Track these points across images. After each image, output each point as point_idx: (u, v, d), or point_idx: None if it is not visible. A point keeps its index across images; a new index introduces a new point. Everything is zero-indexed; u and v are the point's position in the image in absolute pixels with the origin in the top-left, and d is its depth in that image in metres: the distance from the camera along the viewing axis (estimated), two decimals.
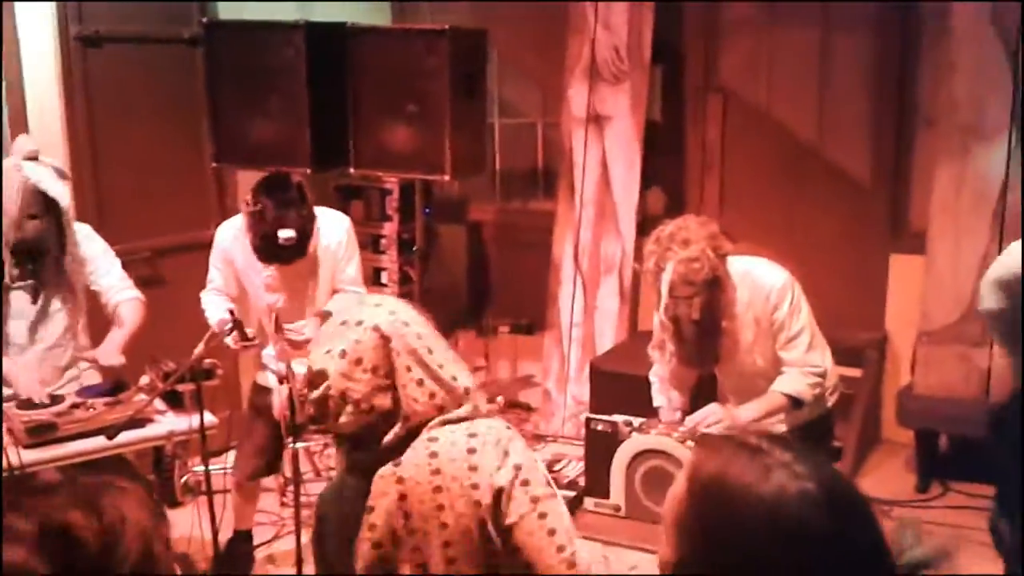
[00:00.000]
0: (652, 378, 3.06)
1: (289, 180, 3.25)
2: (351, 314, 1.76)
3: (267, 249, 3.22)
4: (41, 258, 3.05)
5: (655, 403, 3.03)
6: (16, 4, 3.95)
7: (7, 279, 3.02)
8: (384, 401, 1.71)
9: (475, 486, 1.68)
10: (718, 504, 1.16)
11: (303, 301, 3.42)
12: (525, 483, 1.71)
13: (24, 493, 1.07)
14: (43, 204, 2.99)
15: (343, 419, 1.71)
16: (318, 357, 1.73)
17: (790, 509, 1.12)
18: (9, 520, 1.02)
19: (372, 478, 1.73)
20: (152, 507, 1.11)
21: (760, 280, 2.84)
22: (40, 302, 3.12)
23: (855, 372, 4.31)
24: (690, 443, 2.53)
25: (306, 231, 3.25)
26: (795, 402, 2.84)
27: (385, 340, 1.71)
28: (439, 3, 5.35)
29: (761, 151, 4.79)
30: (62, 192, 3.02)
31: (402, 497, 1.70)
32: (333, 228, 3.44)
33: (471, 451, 1.70)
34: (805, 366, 2.85)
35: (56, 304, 3.15)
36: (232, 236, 3.38)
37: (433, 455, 1.70)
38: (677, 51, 4.82)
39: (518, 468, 1.71)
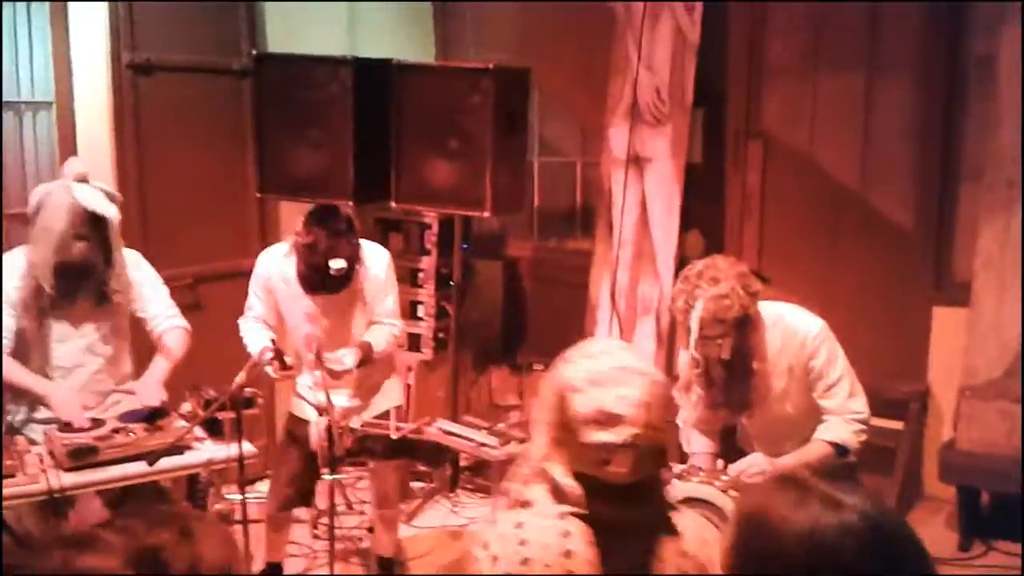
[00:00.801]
0: (679, 423, 3.02)
1: (339, 211, 3.28)
2: (629, 361, 1.61)
3: (316, 279, 3.25)
4: (87, 281, 3.07)
5: (686, 448, 2.99)
6: (70, 28, 4.03)
7: (51, 300, 3.02)
8: (659, 460, 1.61)
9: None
10: (767, 544, 1.16)
11: (342, 332, 3.43)
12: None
13: (123, 510, 1.11)
14: (91, 226, 3.00)
15: (629, 472, 1.54)
16: (614, 400, 1.56)
17: (837, 542, 1.13)
18: (104, 536, 1.06)
19: (610, 528, 1.57)
20: (234, 546, 1.15)
21: (794, 327, 2.80)
22: (84, 326, 3.13)
23: (896, 425, 4.24)
24: (732, 493, 2.49)
25: (354, 261, 3.28)
26: (840, 450, 2.79)
27: (668, 397, 1.68)
28: (484, 40, 5.40)
29: (802, 197, 4.77)
30: (111, 213, 3.04)
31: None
32: (374, 261, 3.45)
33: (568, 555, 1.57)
34: (847, 413, 2.80)
35: (100, 329, 3.16)
36: (273, 264, 3.40)
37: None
38: (719, 94, 4.82)
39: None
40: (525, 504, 1.62)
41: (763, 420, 2.91)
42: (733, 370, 2.74)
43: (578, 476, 1.57)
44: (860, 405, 2.83)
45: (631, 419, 1.52)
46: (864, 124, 4.60)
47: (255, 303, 3.46)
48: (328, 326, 3.41)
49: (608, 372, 1.57)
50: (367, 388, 3.51)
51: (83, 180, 3.04)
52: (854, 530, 1.13)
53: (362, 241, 3.45)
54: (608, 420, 1.53)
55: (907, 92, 4.50)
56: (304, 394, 3.43)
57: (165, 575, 1.05)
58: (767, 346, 2.77)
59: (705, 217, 4.91)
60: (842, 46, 4.59)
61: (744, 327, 2.67)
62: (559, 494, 1.59)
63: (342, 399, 3.27)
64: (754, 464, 2.70)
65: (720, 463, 2.73)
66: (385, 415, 3.47)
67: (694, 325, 2.63)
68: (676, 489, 2.55)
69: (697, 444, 2.97)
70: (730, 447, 2.99)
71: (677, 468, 2.64)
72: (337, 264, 3.18)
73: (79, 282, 3.04)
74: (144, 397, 3.02)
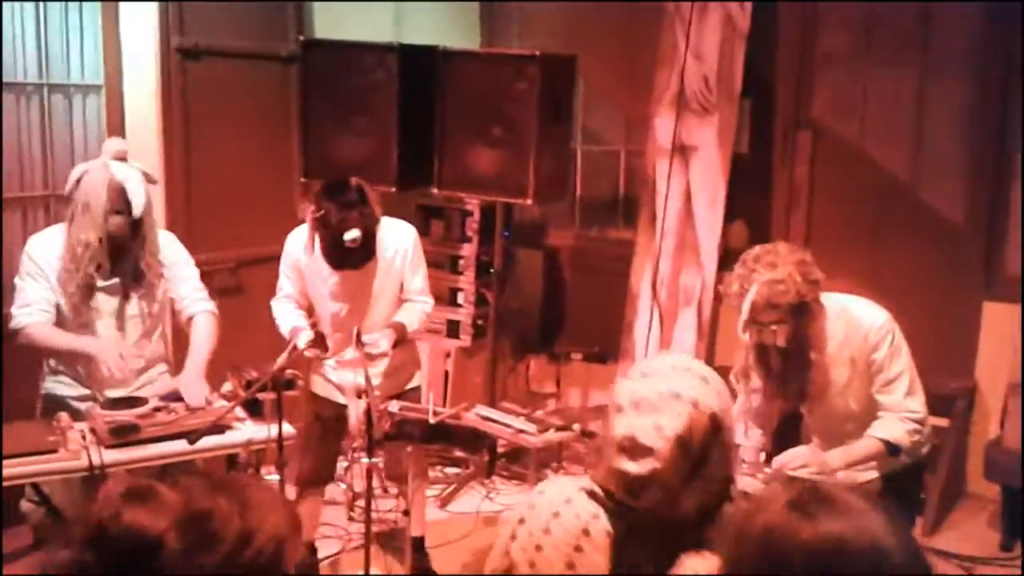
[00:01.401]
0: (735, 415, 2.97)
1: (348, 183, 3.25)
2: (682, 385, 1.54)
3: (335, 253, 3.23)
4: (123, 257, 3.10)
5: (738, 439, 2.95)
6: (120, 12, 4.08)
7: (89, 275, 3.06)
8: (689, 500, 1.54)
9: None
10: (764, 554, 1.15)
11: (366, 309, 3.43)
12: None
13: (187, 474, 1.09)
14: (127, 202, 3.03)
15: (644, 501, 1.53)
16: (647, 430, 1.51)
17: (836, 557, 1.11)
18: (160, 491, 1.05)
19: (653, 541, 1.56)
20: (294, 522, 1.12)
21: (858, 318, 2.74)
22: (120, 302, 3.17)
23: (942, 422, 4.16)
24: (776, 486, 2.44)
25: (370, 231, 3.23)
26: (891, 449, 2.72)
27: (715, 430, 1.53)
28: (528, 23, 5.37)
29: (851, 190, 4.68)
30: (144, 192, 3.06)
31: None
32: (400, 238, 3.44)
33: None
34: (903, 411, 2.73)
35: (135, 307, 3.19)
36: (300, 244, 3.41)
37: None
38: (768, 84, 4.75)
39: None
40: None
41: (823, 415, 2.85)
42: (790, 359, 2.69)
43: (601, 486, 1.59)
44: (917, 405, 2.76)
45: (658, 452, 1.49)
46: (916, 117, 4.51)
47: (285, 283, 3.48)
48: (352, 304, 3.41)
49: (653, 397, 1.53)
50: (391, 367, 3.51)
51: (121, 158, 3.07)
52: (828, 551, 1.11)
53: (388, 219, 3.43)
54: (635, 449, 1.51)
55: (959, 86, 4.40)
56: (328, 374, 3.45)
57: (213, 541, 1.03)
58: (828, 337, 2.71)
59: (750, 208, 4.85)
60: (895, 39, 4.50)
61: (801, 315, 2.61)
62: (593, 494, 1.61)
63: (358, 378, 3.25)
64: (797, 456, 2.65)
65: (763, 456, 2.69)
66: (412, 397, 3.47)
67: (745, 307, 2.58)
68: None
69: (749, 436, 2.93)
70: (793, 444, 2.92)
71: (736, 440, 2.59)
72: (351, 235, 3.15)
73: (116, 257, 3.08)
74: (188, 397, 3.04)
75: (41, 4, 3.87)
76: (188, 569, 1.02)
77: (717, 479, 1.56)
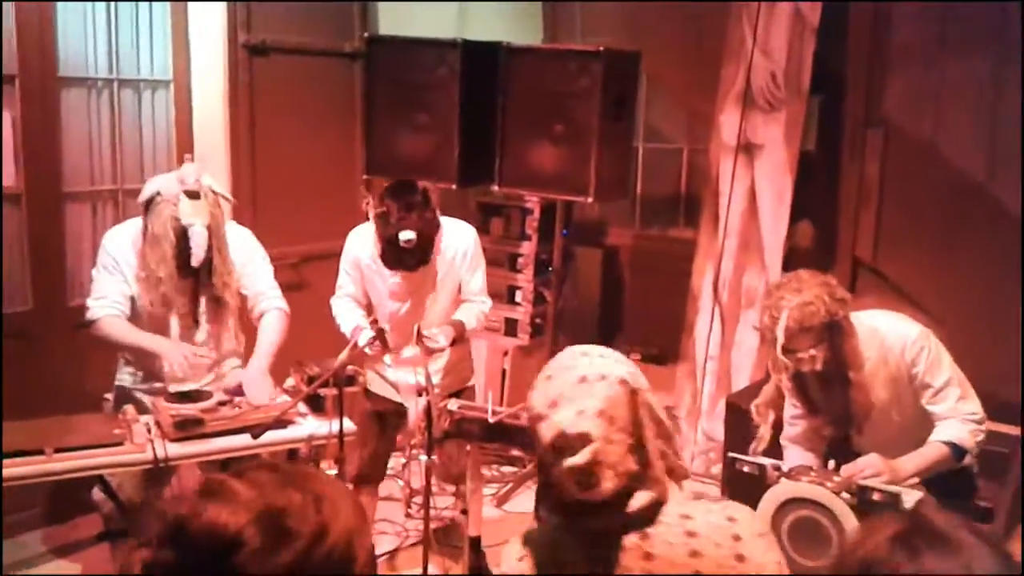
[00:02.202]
0: (783, 442, 2.92)
1: (414, 184, 3.24)
2: (586, 368, 1.55)
3: (391, 252, 3.23)
4: (193, 274, 3.12)
5: (786, 463, 2.87)
6: (189, 9, 4.13)
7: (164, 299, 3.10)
8: (632, 464, 1.51)
9: None
10: None
11: (425, 309, 3.42)
12: None
13: (255, 468, 1.08)
14: (190, 247, 3.04)
15: (607, 484, 1.49)
16: (570, 419, 1.50)
17: None
18: (235, 487, 1.03)
19: (599, 543, 1.53)
20: (363, 515, 1.11)
21: (891, 336, 2.71)
22: (193, 299, 3.19)
23: (1014, 429, 4.02)
24: (845, 495, 2.38)
25: (428, 236, 3.23)
26: (957, 452, 2.68)
27: (632, 394, 1.52)
28: (591, 17, 5.32)
29: (923, 189, 4.55)
30: (203, 246, 3.02)
31: None
32: (460, 238, 3.43)
33: (737, 538, 1.51)
34: (960, 415, 2.70)
35: (205, 306, 3.22)
36: (361, 242, 3.42)
37: (691, 535, 1.50)
38: (838, 80, 4.64)
39: (785, 567, 1.54)
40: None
41: (873, 435, 2.80)
42: (830, 382, 2.68)
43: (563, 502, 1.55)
44: (974, 406, 2.73)
45: (589, 434, 1.48)
46: (991, 113, 4.36)
47: (346, 281, 3.49)
48: (412, 304, 3.40)
49: (565, 390, 1.52)
50: (448, 366, 3.50)
51: (193, 195, 3.05)
52: None
53: (448, 219, 3.42)
54: (567, 442, 1.49)
55: None
56: (384, 372, 3.44)
57: (290, 538, 1.02)
58: (863, 356, 2.67)
59: (817, 207, 4.74)
60: (969, 32, 4.35)
61: (835, 335, 2.60)
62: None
63: (418, 376, 3.25)
64: (870, 465, 2.58)
65: (832, 464, 2.63)
66: (468, 394, 3.46)
67: (780, 333, 2.57)
68: (783, 488, 2.46)
69: (798, 461, 2.85)
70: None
71: (786, 466, 2.55)
72: (406, 235, 3.14)
73: (187, 272, 3.10)
74: (251, 395, 3.06)
75: (112, 2, 3.94)
76: (266, 566, 1.00)
77: (647, 442, 1.53)
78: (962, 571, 1.06)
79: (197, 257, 3.02)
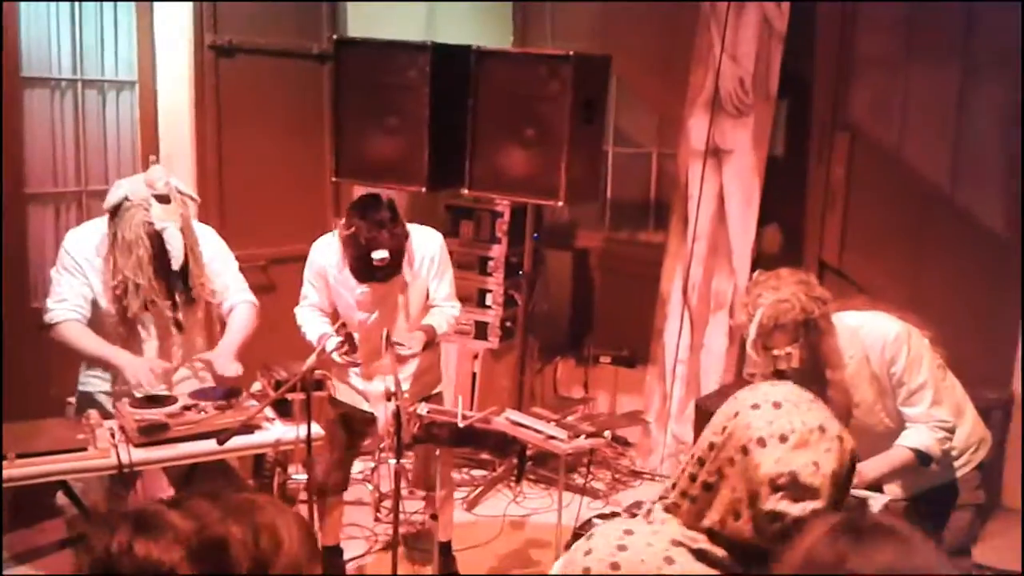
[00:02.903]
0: None
1: (380, 200, 3.23)
2: (824, 420, 1.45)
3: (363, 270, 3.22)
4: (166, 279, 3.09)
5: None
6: (154, 9, 4.08)
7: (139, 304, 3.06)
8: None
9: None
10: None
11: (395, 319, 3.41)
12: None
13: (196, 496, 1.06)
14: (166, 251, 3.01)
15: (767, 542, 1.38)
16: (805, 467, 1.39)
17: None
18: (171, 519, 1.01)
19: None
20: (312, 544, 1.09)
21: (872, 334, 2.72)
22: (160, 303, 3.15)
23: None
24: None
25: (399, 250, 3.22)
26: (922, 458, 2.69)
27: (854, 464, 1.44)
28: (562, 22, 5.33)
29: (888, 193, 4.60)
30: (180, 247, 3.02)
31: None
32: (426, 244, 3.42)
33: (669, 561, 1.44)
34: (931, 421, 2.70)
35: (175, 306, 3.18)
36: (326, 253, 3.40)
37: (622, 548, 1.44)
38: (805, 85, 4.68)
39: None
40: (647, 516, 1.52)
41: (861, 436, 2.78)
42: (806, 382, 2.66)
43: (717, 532, 1.42)
44: (945, 413, 2.73)
45: (819, 491, 1.37)
46: (956, 120, 4.42)
47: (310, 291, 3.47)
48: (380, 313, 3.39)
49: (801, 431, 1.41)
50: (419, 371, 3.49)
51: (164, 200, 3.02)
52: None
53: (413, 226, 3.41)
54: (795, 489, 1.37)
55: (1000, 88, 4.31)
56: (351, 380, 3.43)
57: (227, 572, 1.00)
58: (843, 354, 2.68)
59: (785, 212, 4.78)
60: (936, 39, 4.41)
61: (812, 333, 2.60)
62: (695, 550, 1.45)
63: (387, 383, 3.24)
64: None
65: None
66: (437, 399, 3.45)
67: (753, 328, 2.58)
68: None
69: None
70: None
71: None
72: (380, 255, 3.13)
73: (152, 294, 3.07)
74: (219, 367, 3.04)
75: (76, 1, 3.88)
76: None
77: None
78: (903, 561, 1.06)
79: (177, 260, 3.00)
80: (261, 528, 1.04)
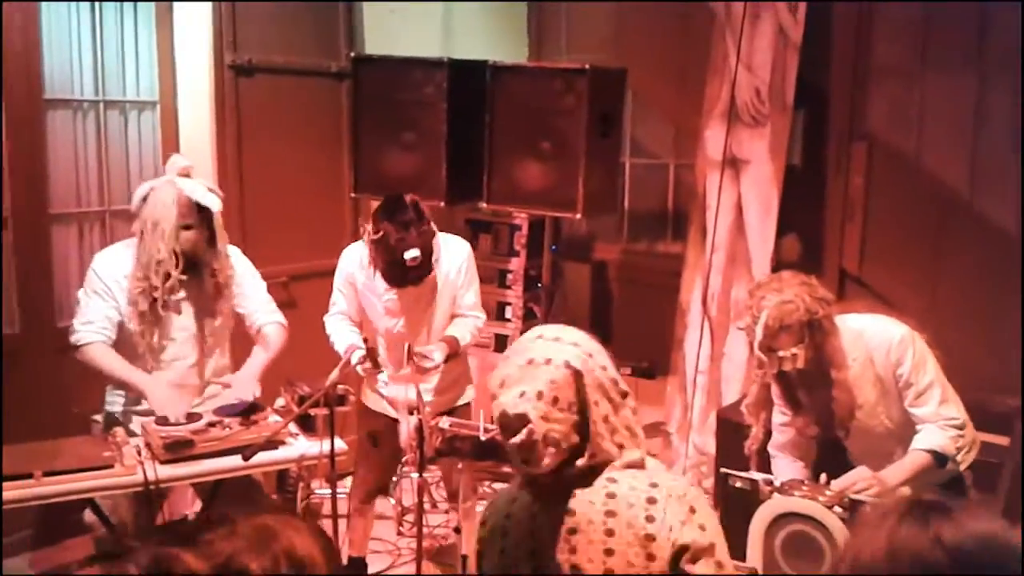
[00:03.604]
0: (771, 450, 2.94)
1: (404, 201, 3.25)
2: (535, 352, 1.69)
3: (395, 273, 3.23)
4: (195, 272, 3.13)
5: (775, 472, 2.88)
6: (174, 29, 4.13)
7: (163, 291, 3.08)
8: (575, 438, 1.67)
9: (650, 537, 1.62)
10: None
11: (422, 326, 3.42)
12: (711, 547, 1.63)
13: (205, 528, 1.06)
14: (197, 216, 3.07)
15: (546, 460, 1.66)
16: (511, 400, 1.66)
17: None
18: (186, 561, 1.01)
19: (546, 498, 1.71)
20: (330, 559, 1.10)
21: (877, 336, 2.73)
22: (187, 319, 3.19)
23: (1002, 440, 4.04)
24: (837, 509, 2.39)
25: (428, 248, 3.24)
26: (939, 459, 2.70)
27: (577, 376, 1.66)
28: (576, 35, 5.35)
29: (907, 202, 4.58)
30: (216, 203, 3.10)
31: (571, 531, 1.67)
32: (454, 254, 3.44)
33: (651, 501, 1.65)
34: (940, 420, 2.71)
35: (203, 322, 3.21)
36: (355, 260, 3.42)
37: (611, 496, 1.68)
38: (822, 95, 4.67)
39: (703, 529, 1.64)
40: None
41: (862, 437, 2.82)
42: (812, 382, 2.69)
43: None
44: (954, 411, 2.74)
45: (531, 415, 1.61)
46: (974, 127, 4.40)
47: (339, 299, 3.49)
48: (408, 320, 3.41)
49: (514, 371, 1.66)
50: (445, 383, 3.50)
51: (186, 175, 3.10)
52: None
53: (441, 234, 3.44)
54: (509, 422, 1.63)
55: (1019, 93, 4.29)
56: (380, 389, 3.44)
57: None
58: (846, 355, 2.70)
59: (803, 221, 4.77)
60: (952, 46, 4.39)
61: (816, 333, 2.62)
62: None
63: (424, 394, 3.26)
64: (860, 479, 2.60)
65: (823, 477, 2.64)
66: (463, 413, 3.45)
67: (758, 330, 2.60)
68: (776, 503, 2.47)
69: (786, 471, 2.86)
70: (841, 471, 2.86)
71: (778, 481, 2.56)
72: (411, 254, 3.14)
73: (187, 272, 3.10)
74: (238, 391, 3.06)
75: (98, 21, 3.94)
76: None
77: (593, 420, 1.66)
78: (986, 529, 1.07)
79: (214, 205, 3.05)
80: (280, 555, 1.04)
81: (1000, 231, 4.39)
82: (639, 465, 1.72)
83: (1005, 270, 4.37)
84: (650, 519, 1.63)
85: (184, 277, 3.07)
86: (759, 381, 2.82)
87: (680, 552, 1.61)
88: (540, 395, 1.63)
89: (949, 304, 4.36)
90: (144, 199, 3.06)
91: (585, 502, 1.68)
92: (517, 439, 1.63)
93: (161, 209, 3.01)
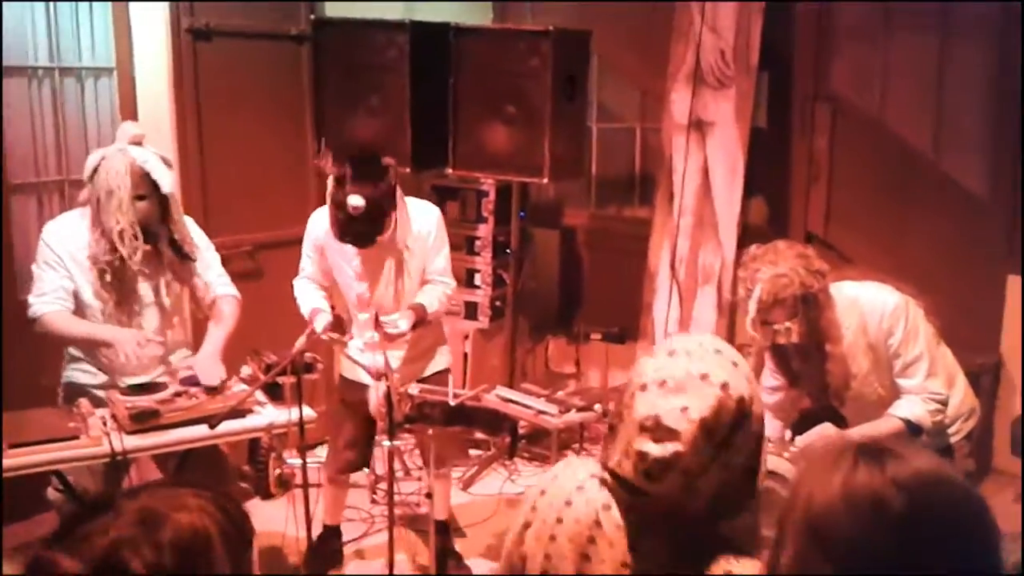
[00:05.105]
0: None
1: (376, 156, 3.20)
2: (712, 367, 1.44)
3: (339, 222, 3.15)
4: (149, 241, 3.06)
5: None
6: None
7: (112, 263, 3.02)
8: (707, 488, 1.42)
9: None
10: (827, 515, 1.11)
11: (391, 290, 3.40)
12: None
13: (84, 522, 1.04)
14: (151, 186, 3.00)
15: (663, 486, 1.42)
16: (673, 413, 1.41)
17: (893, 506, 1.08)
18: (59, 560, 1.00)
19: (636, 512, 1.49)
20: (232, 540, 1.07)
21: (870, 305, 2.73)
22: (144, 288, 3.14)
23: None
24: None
25: (379, 208, 3.14)
26: (912, 428, 2.71)
27: (743, 414, 1.42)
28: (541, 2, 5.30)
29: (871, 163, 4.61)
30: (167, 174, 3.04)
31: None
32: (423, 218, 3.40)
33: (607, 507, 1.50)
34: (924, 393, 2.72)
35: (159, 292, 3.17)
36: (322, 224, 3.38)
37: (568, 504, 1.53)
38: (786, 56, 4.67)
39: None
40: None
41: (855, 405, 2.83)
42: (807, 355, 2.69)
43: (614, 471, 1.48)
44: (939, 386, 2.76)
45: (681, 435, 1.39)
46: (937, 87, 4.42)
47: (307, 263, 3.45)
48: (377, 284, 3.38)
49: (681, 377, 1.43)
50: (419, 351, 3.48)
51: (137, 143, 3.03)
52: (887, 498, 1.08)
53: (411, 199, 3.40)
54: (658, 430, 1.41)
55: (982, 54, 4.31)
56: (354, 356, 3.42)
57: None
58: (842, 327, 2.69)
59: (769, 183, 4.79)
60: (915, 8, 4.40)
61: (811, 307, 2.61)
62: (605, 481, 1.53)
63: (394, 361, 3.24)
64: (824, 435, 2.62)
65: (788, 434, 2.66)
66: (439, 379, 3.44)
67: (752, 305, 2.58)
68: None
69: (767, 428, 2.89)
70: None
71: None
72: (354, 200, 3.06)
73: (142, 243, 3.04)
74: (203, 376, 3.02)
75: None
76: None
77: (740, 469, 1.44)
78: (938, 465, 1.09)
79: (166, 185, 2.98)
80: (164, 543, 1.02)
81: (964, 191, 4.43)
82: None
83: (970, 229, 4.42)
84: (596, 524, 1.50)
85: (141, 247, 3.01)
86: (753, 352, 2.83)
87: None
88: (703, 423, 1.40)
89: (915, 264, 4.39)
90: (95, 169, 2.99)
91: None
92: (658, 451, 1.40)
93: (115, 178, 2.94)
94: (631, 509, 1.48)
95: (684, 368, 1.43)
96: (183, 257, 3.13)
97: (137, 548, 1.00)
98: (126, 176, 2.94)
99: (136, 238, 2.97)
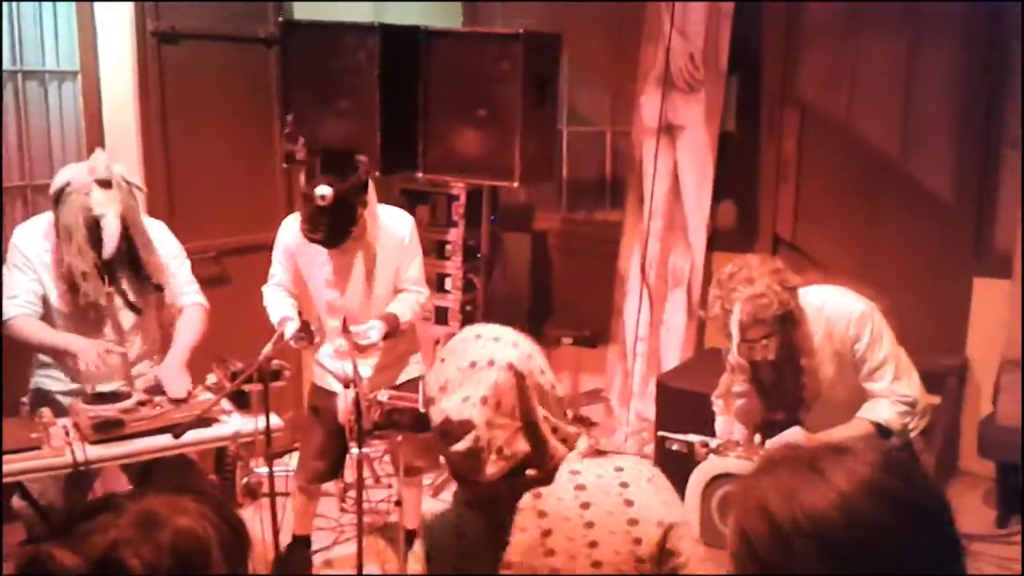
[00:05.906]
0: (716, 405, 2.96)
1: (350, 153, 3.17)
2: (476, 353, 1.58)
3: (307, 214, 3.11)
4: (114, 282, 3.02)
5: (719, 433, 2.91)
6: None
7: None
8: (524, 445, 1.56)
9: (633, 521, 1.55)
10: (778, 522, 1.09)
11: (362, 297, 3.37)
12: (687, 523, 1.61)
13: (83, 520, 1.03)
14: (101, 240, 2.93)
15: (490, 469, 1.54)
16: (455, 406, 1.54)
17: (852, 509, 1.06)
18: (60, 558, 0.99)
19: (493, 512, 1.60)
20: (230, 544, 1.07)
21: (836, 312, 2.74)
22: (111, 296, 3.09)
23: (934, 399, 4.13)
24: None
25: (348, 204, 3.11)
26: (882, 431, 2.73)
27: (520, 378, 1.56)
28: (511, 4, 5.29)
29: (839, 165, 4.65)
30: (116, 232, 2.93)
31: (546, 533, 1.57)
32: (396, 226, 3.38)
33: (624, 485, 1.58)
34: (892, 395, 2.74)
35: (127, 300, 3.12)
36: (293, 231, 3.34)
37: (580, 488, 1.58)
38: (754, 60, 4.70)
39: (676, 505, 1.62)
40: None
41: (819, 410, 2.84)
42: (782, 369, 2.70)
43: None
44: (906, 388, 2.77)
45: (472, 420, 1.51)
46: (904, 90, 4.46)
47: (278, 270, 3.42)
48: (348, 292, 3.35)
49: (456, 374, 1.55)
50: (392, 358, 3.46)
51: (105, 185, 2.93)
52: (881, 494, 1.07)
53: (385, 207, 3.37)
54: (452, 428, 1.52)
55: (949, 57, 4.36)
56: (325, 363, 3.39)
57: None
58: (813, 340, 2.71)
59: (739, 187, 4.81)
60: (883, 10, 4.44)
61: (787, 324, 2.61)
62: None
63: (365, 369, 3.22)
64: (792, 439, 2.63)
65: (758, 438, 2.67)
66: (412, 387, 3.41)
67: (735, 329, 2.56)
68: (711, 464, 2.49)
69: (726, 428, 2.90)
70: None
71: (713, 443, 2.58)
72: (322, 190, 3.03)
73: (105, 284, 3.00)
74: (168, 388, 2.97)
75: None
76: None
77: (538, 423, 1.57)
78: (882, 473, 1.09)
79: (108, 249, 2.92)
80: (164, 544, 1.02)
81: (931, 193, 4.48)
82: (594, 453, 1.65)
83: (937, 231, 4.46)
84: (629, 503, 1.56)
85: (109, 289, 2.97)
86: (728, 371, 2.83)
87: (668, 531, 1.56)
88: (484, 400, 1.53)
89: (882, 266, 4.43)
90: (59, 196, 2.93)
91: (554, 500, 1.58)
92: (461, 446, 1.52)
93: (72, 222, 2.90)
94: (478, 498, 1.62)
95: (454, 366, 1.57)
96: (153, 288, 3.09)
97: (136, 548, 1.01)
98: (82, 224, 2.89)
99: (100, 277, 2.94)
